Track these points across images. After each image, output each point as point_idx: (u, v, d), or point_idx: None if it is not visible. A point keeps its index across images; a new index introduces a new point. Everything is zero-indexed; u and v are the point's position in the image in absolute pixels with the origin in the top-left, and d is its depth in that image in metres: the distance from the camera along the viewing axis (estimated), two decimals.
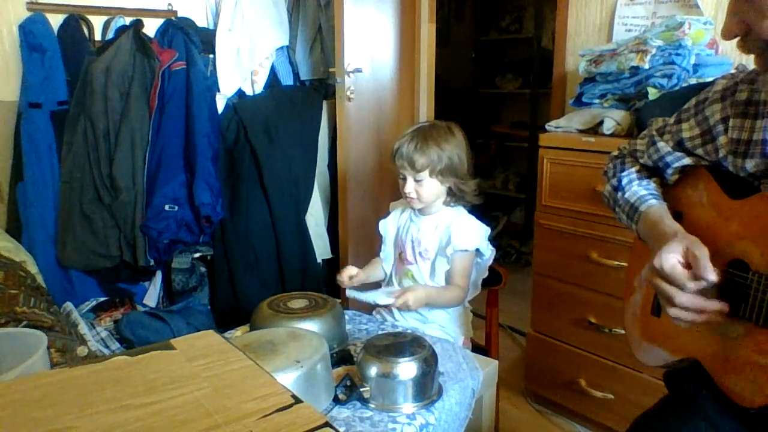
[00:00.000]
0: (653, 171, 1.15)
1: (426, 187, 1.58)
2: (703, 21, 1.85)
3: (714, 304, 0.89)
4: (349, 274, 1.65)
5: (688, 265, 0.90)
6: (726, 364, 0.93)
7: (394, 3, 2.58)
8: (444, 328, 1.64)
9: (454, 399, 1.23)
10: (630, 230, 1.14)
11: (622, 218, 1.14)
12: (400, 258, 1.69)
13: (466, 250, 1.58)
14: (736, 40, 0.89)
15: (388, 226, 1.75)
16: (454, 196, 1.63)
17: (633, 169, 1.16)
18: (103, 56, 2.18)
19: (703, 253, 0.88)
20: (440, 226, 1.62)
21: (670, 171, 1.11)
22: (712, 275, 0.87)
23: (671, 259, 0.91)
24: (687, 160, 1.08)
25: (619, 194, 1.14)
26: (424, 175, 1.56)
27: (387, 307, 1.64)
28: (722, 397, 0.94)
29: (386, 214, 1.79)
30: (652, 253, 1.01)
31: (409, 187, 1.58)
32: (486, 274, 1.69)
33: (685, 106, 1.08)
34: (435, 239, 1.62)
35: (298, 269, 2.50)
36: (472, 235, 1.59)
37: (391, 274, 1.74)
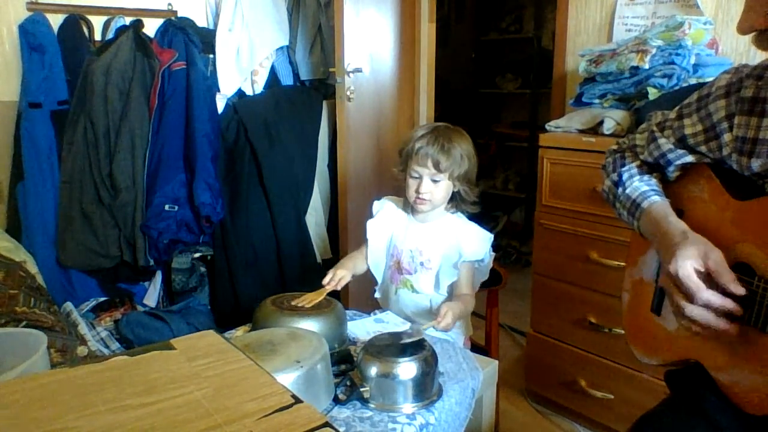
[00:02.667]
0: (654, 167, 1.13)
1: (441, 189, 1.54)
2: (703, 21, 1.85)
3: (723, 324, 0.87)
4: (339, 277, 1.54)
5: (705, 272, 0.88)
6: (730, 370, 0.92)
7: (394, 3, 2.58)
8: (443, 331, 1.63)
9: (454, 399, 1.22)
10: (630, 227, 1.12)
11: (623, 214, 1.12)
12: (397, 267, 1.64)
13: (475, 261, 1.57)
14: (747, 36, 0.88)
15: (378, 229, 1.68)
16: (457, 202, 1.60)
17: (633, 164, 1.13)
18: (103, 56, 2.18)
19: (721, 263, 0.87)
20: (445, 236, 1.58)
21: (671, 168, 1.09)
22: (740, 289, 0.85)
23: (688, 267, 0.88)
24: (689, 158, 1.05)
25: (620, 189, 1.12)
26: (443, 176, 1.52)
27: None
28: (725, 399, 0.93)
29: (370, 215, 1.71)
30: (654, 250, 1.00)
31: (426, 187, 1.53)
32: (486, 277, 1.67)
33: (686, 101, 1.06)
34: (439, 249, 1.58)
35: (298, 269, 2.50)
36: (482, 246, 1.57)
37: (384, 282, 1.69)
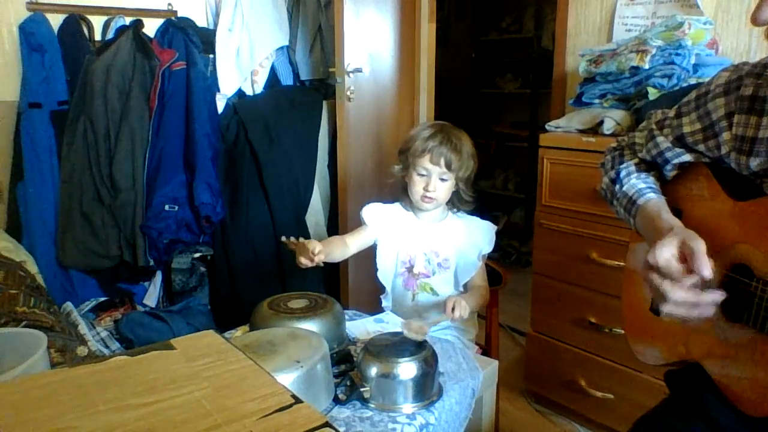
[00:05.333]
0: (652, 165, 1.12)
1: (446, 188, 1.55)
2: (703, 21, 1.85)
3: (708, 296, 0.85)
4: (312, 249, 1.45)
5: (683, 260, 0.87)
6: (730, 370, 0.92)
7: (394, 3, 2.58)
8: (454, 331, 1.62)
9: (454, 399, 1.22)
10: (627, 224, 1.12)
11: (620, 212, 1.12)
12: (411, 272, 1.61)
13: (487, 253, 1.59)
14: (747, 36, 0.87)
15: (384, 237, 1.63)
16: (454, 201, 1.61)
17: (632, 162, 1.13)
18: (103, 56, 2.18)
19: (699, 246, 0.85)
20: (457, 233, 1.60)
21: (669, 167, 1.08)
22: (707, 270, 0.83)
23: (666, 253, 0.88)
24: (687, 157, 1.05)
25: (617, 187, 1.12)
26: (450, 175, 1.54)
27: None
28: (724, 400, 0.93)
29: (363, 227, 1.64)
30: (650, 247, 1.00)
31: (434, 185, 1.54)
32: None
33: (685, 99, 1.05)
34: (454, 248, 1.59)
35: (298, 269, 2.50)
36: (492, 237, 1.61)
37: (396, 290, 1.65)
